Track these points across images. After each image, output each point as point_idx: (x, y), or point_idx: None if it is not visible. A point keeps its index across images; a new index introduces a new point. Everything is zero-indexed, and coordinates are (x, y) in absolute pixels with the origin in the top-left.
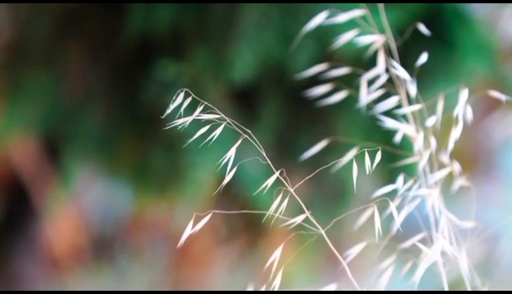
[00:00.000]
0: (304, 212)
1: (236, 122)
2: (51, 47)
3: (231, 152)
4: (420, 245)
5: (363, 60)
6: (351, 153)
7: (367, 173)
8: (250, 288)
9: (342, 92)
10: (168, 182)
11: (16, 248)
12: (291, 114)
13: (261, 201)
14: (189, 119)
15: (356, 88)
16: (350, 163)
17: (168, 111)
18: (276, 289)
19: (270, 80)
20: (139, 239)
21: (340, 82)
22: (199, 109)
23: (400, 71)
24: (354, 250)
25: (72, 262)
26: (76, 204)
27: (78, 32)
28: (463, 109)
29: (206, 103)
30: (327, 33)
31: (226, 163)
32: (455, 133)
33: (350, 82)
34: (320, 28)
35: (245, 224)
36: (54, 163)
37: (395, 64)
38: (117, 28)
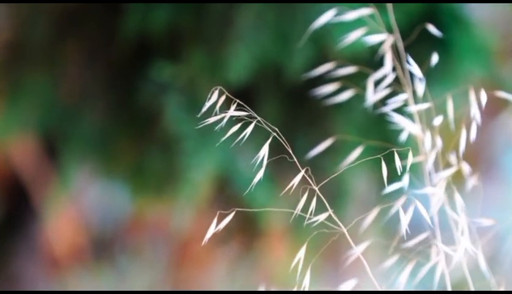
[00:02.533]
0: (310, 211)
1: (265, 121)
2: (49, 48)
3: (264, 151)
4: (437, 243)
5: (360, 61)
6: (357, 152)
7: (399, 173)
8: (261, 289)
9: (347, 91)
10: (165, 183)
11: (16, 248)
12: (289, 115)
13: (257, 202)
14: (226, 116)
15: (358, 87)
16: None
17: (204, 109)
18: (307, 289)
19: (267, 81)
20: (139, 239)
21: (341, 82)
22: (233, 107)
23: (414, 69)
24: (359, 249)
25: (72, 262)
26: (76, 204)
27: (75, 33)
28: (476, 111)
29: (238, 101)
30: (323, 34)
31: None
32: (470, 134)
33: (349, 81)
34: (316, 29)
35: (242, 225)
36: (53, 164)
37: (411, 61)
38: (114, 29)
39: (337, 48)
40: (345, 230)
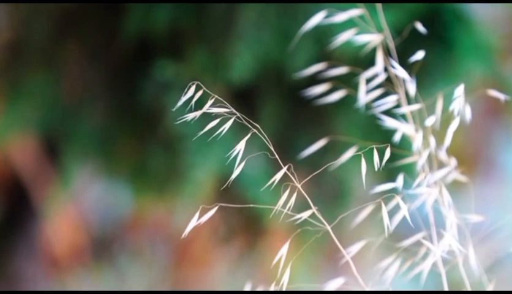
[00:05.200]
0: (306, 209)
1: (244, 117)
2: (50, 47)
3: (241, 146)
4: (425, 242)
5: (362, 60)
6: (351, 151)
7: (376, 169)
8: (247, 287)
9: (340, 91)
10: (167, 182)
11: (16, 248)
12: (290, 114)
13: (261, 201)
14: (199, 112)
15: (355, 87)
16: (349, 163)
17: (180, 103)
18: (285, 286)
19: (268, 80)
20: (139, 239)
21: (339, 82)
22: (209, 102)
23: (399, 71)
24: (355, 248)
25: (72, 262)
26: (76, 204)
27: (76, 33)
28: (460, 105)
29: (216, 96)
30: (325, 33)
31: (229, 160)
32: (452, 128)
33: (348, 82)
34: (318, 28)
35: (244, 224)
36: (54, 163)
37: (394, 63)
38: (115, 28)
39: (332, 48)
40: (328, 228)
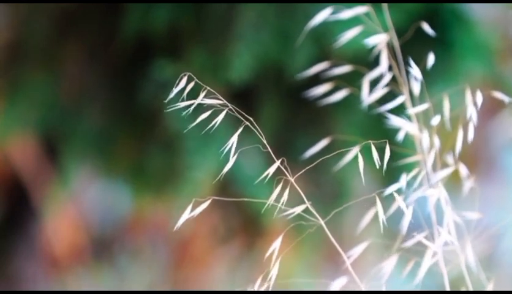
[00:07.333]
0: (301, 205)
1: (237, 109)
2: (49, 47)
3: (233, 139)
4: (424, 240)
5: (361, 60)
6: (354, 151)
7: (377, 167)
8: (250, 288)
9: (342, 91)
10: (166, 182)
11: (16, 248)
12: (289, 114)
13: (259, 199)
14: (193, 102)
15: (357, 87)
16: (349, 163)
17: (172, 95)
18: (273, 279)
19: (268, 80)
20: (139, 239)
21: (339, 82)
22: (202, 94)
23: (415, 71)
24: (356, 250)
25: (72, 262)
26: (76, 204)
27: (75, 33)
28: (473, 111)
29: (208, 88)
30: (324, 33)
31: (227, 155)
32: (468, 135)
33: (349, 81)
34: (317, 28)
35: (243, 224)
36: (53, 163)
37: (411, 62)
38: (114, 28)
39: (336, 47)
40: (322, 222)
